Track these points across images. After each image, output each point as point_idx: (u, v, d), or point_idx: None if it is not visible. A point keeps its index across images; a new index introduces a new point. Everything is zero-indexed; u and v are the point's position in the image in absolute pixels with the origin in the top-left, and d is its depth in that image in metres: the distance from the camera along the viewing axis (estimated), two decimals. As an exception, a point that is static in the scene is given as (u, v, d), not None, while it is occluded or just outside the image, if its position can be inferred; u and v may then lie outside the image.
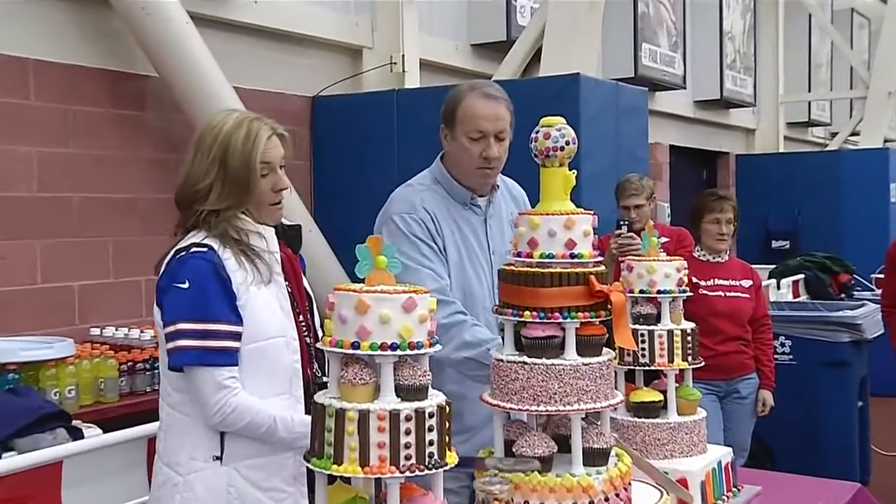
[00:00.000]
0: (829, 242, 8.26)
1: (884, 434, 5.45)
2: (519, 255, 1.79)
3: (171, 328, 1.81)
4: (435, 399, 1.43)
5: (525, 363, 1.70)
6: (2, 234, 3.74)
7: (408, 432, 1.37)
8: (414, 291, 1.41)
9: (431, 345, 1.43)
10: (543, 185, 1.85)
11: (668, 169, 8.87)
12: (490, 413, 1.80)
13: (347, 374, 1.41)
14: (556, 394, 1.68)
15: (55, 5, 3.94)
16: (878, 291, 5.24)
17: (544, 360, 1.69)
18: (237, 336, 1.81)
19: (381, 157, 4.64)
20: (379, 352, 1.38)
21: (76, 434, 2.74)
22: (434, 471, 1.39)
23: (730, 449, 2.29)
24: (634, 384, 2.21)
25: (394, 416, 1.37)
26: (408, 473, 1.37)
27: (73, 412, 3.08)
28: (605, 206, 4.03)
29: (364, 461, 1.36)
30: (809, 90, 11.84)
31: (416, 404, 1.39)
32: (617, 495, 1.70)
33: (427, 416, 1.38)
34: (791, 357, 4.89)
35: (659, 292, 2.16)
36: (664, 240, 4.05)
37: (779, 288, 6.72)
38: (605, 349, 1.78)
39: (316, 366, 1.96)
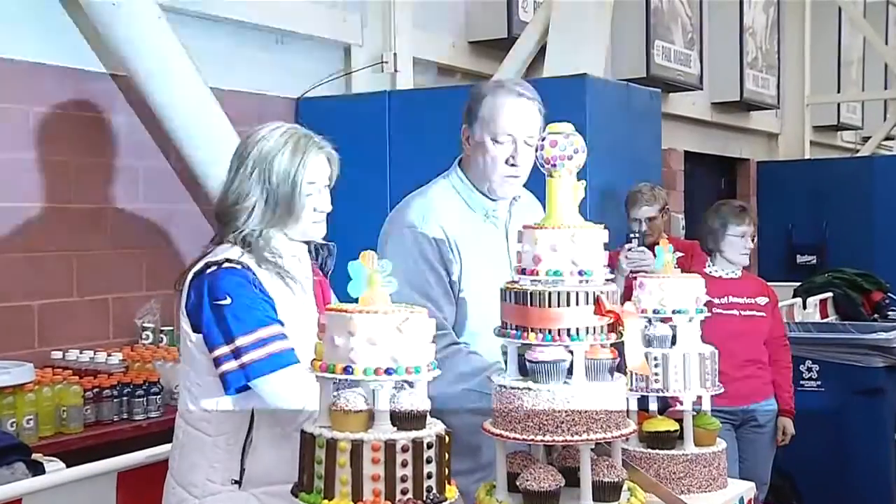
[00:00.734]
0: (861, 257, 8.29)
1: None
2: (523, 271, 1.82)
3: (228, 347, 1.90)
4: (434, 428, 1.45)
5: (530, 389, 1.72)
6: (-46, 248, 3.77)
7: (404, 464, 1.39)
8: (411, 312, 1.44)
9: (430, 369, 1.46)
10: (550, 196, 1.88)
11: (683, 177, 8.91)
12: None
13: (339, 400, 1.43)
14: (563, 422, 1.70)
15: (12, -4, 3.98)
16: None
17: (550, 386, 1.72)
18: (287, 336, 1.93)
19: (372, 165, 4.68)
20: (374, 377, 1.41)
21: (36, 469, 2.75)
22: (432, 506, 1.41)
23: (752, 484, 2.31)
24: (648, 412, 2.24)
25: (389, 446, 1.39)
26: (404, 509, 1.39)
27: (32, 444, 3.09)
28: (613, 219, 4.06)
29: (357, 495, 1.38)
30: (839, 91, 11.90)
31: (413, 434, 1.42)
32: (630, 533, 1.72)
33: (425, 446, 1.41)
34: (819, 383, 4.91)
35: (674, 312, 2.19)
36: (679, 254, 4.09)
37: (805, 307, 6.75)
38: (616, 374, 1.81)
39: None
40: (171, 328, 4.32)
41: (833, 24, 11.81)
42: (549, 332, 1.73)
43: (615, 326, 1.77)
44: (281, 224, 2.01)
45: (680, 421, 2.19)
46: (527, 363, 1.77)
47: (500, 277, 2.25)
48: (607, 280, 1.82)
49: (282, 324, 1.94)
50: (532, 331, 1.74)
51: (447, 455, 1.46)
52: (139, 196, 4.44)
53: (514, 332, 1.77)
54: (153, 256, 4.42)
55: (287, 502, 1.86)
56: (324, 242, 2.17)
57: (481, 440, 1.98)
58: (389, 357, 1.41)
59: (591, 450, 1.77)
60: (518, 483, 1.75)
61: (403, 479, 1.39)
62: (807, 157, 10.85)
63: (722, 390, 2.27)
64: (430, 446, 1.42)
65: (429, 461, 1.41)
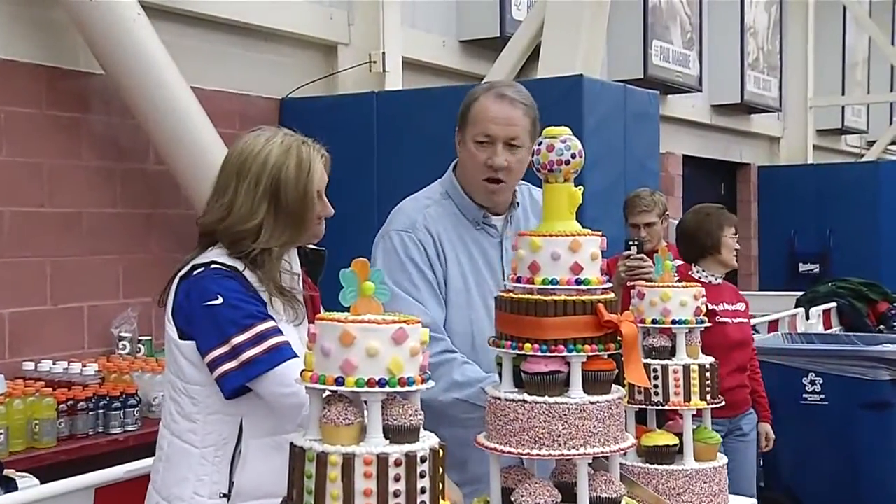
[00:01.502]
0: (866, 266, 8.36)
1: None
2: (518, 280, 1.84)
3: (224, 348, 1.91)
4: (427, 441, 1.46)
5: (525, 402, 1.74)
6: (-78, 254, 3.77)
7: (397, 478, 1.40)
8: (405, 321, 1.45)
9: (424, 381, 1.47)
10: (546, 202, 1.90)
11: (682, 182, 8.96)
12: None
13: (330, 413, 1.45)
14: (559, 436, 1.72)
15: (-15, -8, 3.99)
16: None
17: (547, 399, 1.73)
18: (281, 331, 1.95)
19: (359, 168, 4.70)
20: (366, 388, 1.42)
21: (9, 485, 2.76)
22: (425, 522, 1.42)
23: (754, 501, 2.34)
24: (646, 426, 2.26)
25: (382, 460, 1.40)
26: (396, 525, 1.40)
27: (2, 459, 3.09)
28: (611, 225, 4.09)
29: (348, 511, 1.39)
30: (843, 93, 11.98)
31: (406, 447, 1.43)
32: (628, 550, 1.74)
33: (419, 460, 1.42)
34: (823, 397, 4.94)
35: (674, 322, 2.21)
36: (678, 263, 4.13)
37: (808, 318, 6.80)
38: (614, 386, 1.82)
39: None
40: (149, 337, 4.32)
41: (837, 24, 11.90)
42: (546, 342, 1.74)
43: (614, 337, 1.79)
44: (293, 241, 2.02)
45: (679, 435, 2.22)
46: (522, 375, 1.79)
47: (486, 287, 2.28)
48: (605, 289, 1.84)
49: (274, 320, 1.96)
50: (528, 341, 1.76)
51: (441, 469, 1.47)
52: (116, 200, 4.45)
53: (510, 342, 1.79)
54: (130, 263, 4.43)
55: None
56: (315, 248, 2.17)
57: (469, 453, 2.00)
58: (382, 368, 1.43)
59: (589, 465, 1.79)
60: (513, 499, 1.77)
61: (396, 494, 1.40)
62: (810, 161, 10.92)
63: (723, 403, 2.30)
64: (423, 460, 1.43)
65: (422, 475, 1.42)
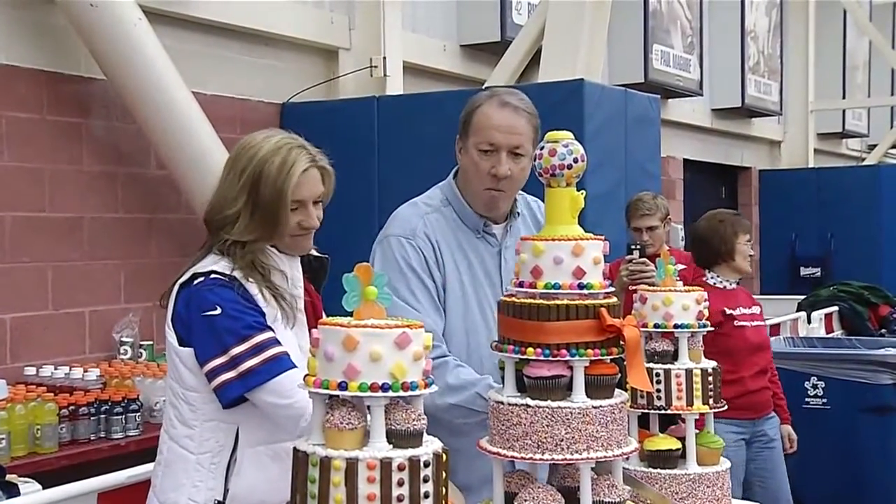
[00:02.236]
0: (867, 270, 8.36)
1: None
2: (521, 284, 1.84)
3: (222, 359, 1.92)
4: (431, 446, 1.47)
5: (528, 406, 1.74)
6: (-77, 259, 3.77)
7: (401, 483, 1.40)
8: (408, 326, 1.46)
9: (427, 385, 1.48)
10: (548, 207, 1.90)
11: (683, 186, 8.97)
12: (489, 472, 1.83)
13: (333, 417, 1.45)
14: (562, 440, 1.72)
15: (-14, -2, 4.00)
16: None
17: (549, 403, 1.73)
18: (279, 341, 1.96)
19: (360, 173, 4.70)
20: (369, 393, 1.43)
21: (11, 490, 2.76)
22: (429, 526, 1.43)
23: (757, 505, 2.33)
24: (649, 430, 2.26)
25: (385, 464, 1.41)
26: (400, 529, 1.41)
27: (4, 464, 3.09)
28: (611, 229, 4.10)
29: (351, 515, 1.40)
30: (844, 96, 12.00)
31: (409, 452, 1.43)
32: (631, 555, 1.74)
33: (422, 464, 1.42)
34: (824, 401, 4.94)
35: (676, 326, 2.21)
36: (681, 267, 4.14)
37: (809, 322, 6.80)
38: (617, 390, 1.83)
39: None
40: (151, 342, 4.32)
41: (838, 28, 11.91)
42: (548, 346, 1.74)
43: (616, 341, 1.80)
44: (266, 238, 2.02)
45: (682, 439, 2.22)
46: (525, 379, 1.79)
47: (483, 295, 2.28)
48: (608, 293, 1.84)
49: (273, 330, 1.97)
50: (530, 346, 1.76)
51: (445, 473, 1.47)
52: (117, 205, 4.45)
53: (512, 346, 1.79)
54: (132, 268, 4.43)
55: None
56: (318, 255, 2.18)
57: (457, 463, 1.99)
58: (385, 372, 1.43)
59: (592, 469, 1.79)
60: (516, 502, 1.77)
61: (400, 499, 1.40)
62: (810, 165, 10.92)
63: (726, 407, 2.30)
64: (426, 465, 1.43)
65: (426, 480, 1.43)
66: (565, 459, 1.73)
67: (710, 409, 2.22)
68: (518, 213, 2.37)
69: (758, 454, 3.84)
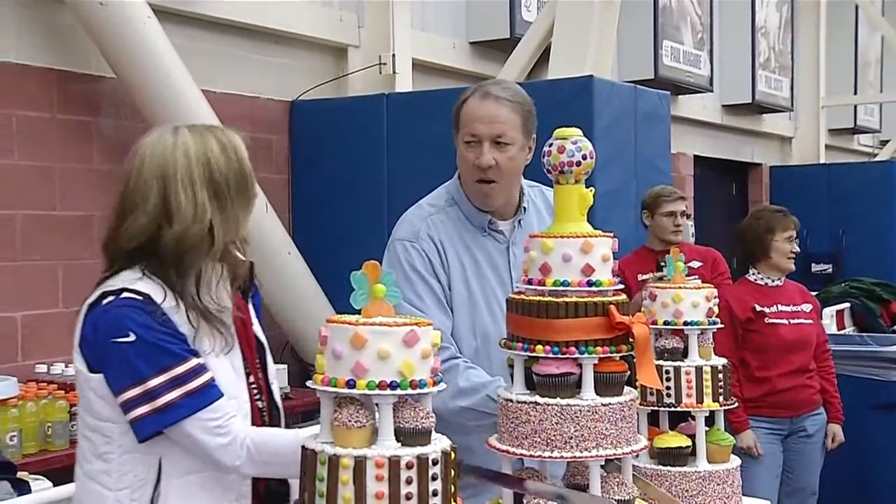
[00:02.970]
0: (879, 266, 8.31)
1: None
2: (530, 282, 1.84)
3: (137, 390, 1.74)
4: (439, 444, 1.47)
5: (537, 404, 1.74)
6: (-66, 258, 3.79)
7: (409, 481, 1.41)
8: (416, 324, 1.46)
9: (435, 383, 1.48)
10: (557, 204, 1.90)
11: (693, 182, 8.95)
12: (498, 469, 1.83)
13: (342, 415, 1.45)
14: (571, 438, 1.72)
15: (-5, -4, 4.01)
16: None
17: (559, 401, 1.74)
18: (205, 367, 1.79)
19: (369, 170, 4.70)
20: (377, 391, 1.43)
21: (22, 488, 2.76)
22: (438, 524, 1.43)
23: (767, 502, 2.33)
24: (659, 427, 2.26)
25: (393, 462, 1.41)
26: (409, 528, 1.41)
27: (15, 461, 3.10)
28: (621, 226, 4.09)
29: (360, 514, 1.40)
30: (856, 92, 11.94)
31: (418, 450, 1.44)
32: (641, 553, 1.74)
33: (430, 462, 1.43)
34: (836, 398, 4.93)
35: (686, 324, 2.21)
36: (695, 264, 4.14)
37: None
38: (626, 388, 1.83)
39: None
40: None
41: (849, 23, 11.85)
42: (557, 344, 1.75)
43: (626, 339, 1.79)
44: (238, 232, 1.86)
45: (692, 437, 2.21)
46: (534, 377, 1.79)
47: (491, 293, 2.27)
48: (616, 290, 1.84)
49: (197, 354, 1.79)
50: (539, 343, 1.76)
51: (453, 472, 1.47)
52: (127, 203, 4.45)
53: (521, 344, 1.79)
54: (141, 266, 4.43)
55: None
56: (242, 259, 1.96)
57: (469, 461, 1.98)
58: (393, 370, 1.43)
59: (601, 466, 1.79)
60: (525, 501, 1.77)
61: (408, 497, 1.41)
62: (822, 161, 10.87)
63: (736, 405, 2.30)
64: (435, 463, 1.43)
65: (434, 478, 1.43)
66: (574, 457, 1.73)
67: (721, 406, 2.22)
68: (525, 208, 2.36)
69: (791, 446, 3.87)
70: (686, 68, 8.32)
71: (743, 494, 2.25)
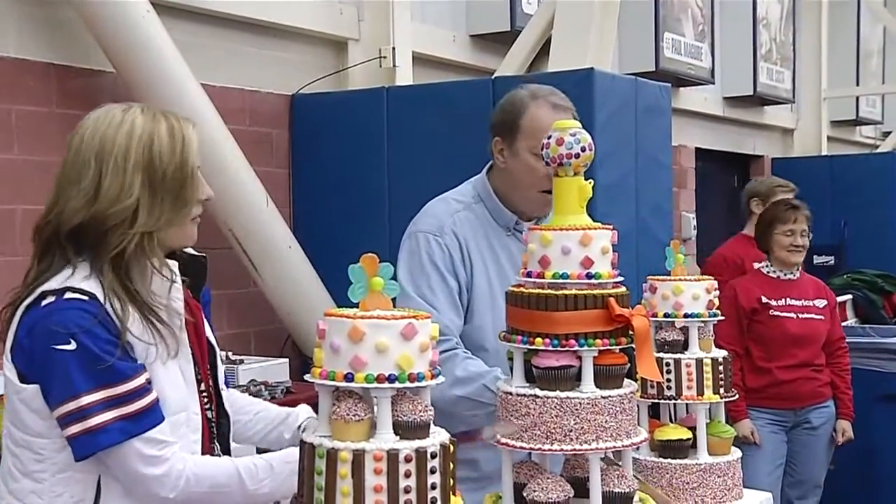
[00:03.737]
0: (881, 257, 8.30)
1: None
2: (529, 274, 1.84)
3: (71, 405, 1.59)
4: (437, 437, 1.47)
5: (537, 396, 1.74)
6: (-66, 253, 3.79)
7: (408, 474, 1.41)
8: (414, 317, 1.46)
9: (433, 376, 1.47)
10: (556, 196, 1.90)
11: (695, 175, 8.94)
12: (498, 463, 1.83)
13: (340, 409, 1.45)
14: (571, 431, 1.72)
15: (-7, -10, 4.00)
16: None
17: (558, 393, 1.74)
18: (150, 387, 1.66)
19: (370, 163, 4.69)
20: (375, 384, 1.43)
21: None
22: (436, 518, 1.43)
23: (769, 495, 2.33)
24: (659, 420, 2.26)
25: (392, 456, 1.41)
26: (407, 521, 1.41)
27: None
28: (621, 218, 4.08)
29: (358, 507, 1.40)
30: (857, 84, 11.92)
31: (416, 443, 1.43)
32: (641, 545, 1.74)
33: (429, 456, 1.42)
34: (838, 390, 4.92)
35: (686, 316, 2.21)
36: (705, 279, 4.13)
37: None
38: (626, 380, 1.82)
39: (217, 447, 1.85)
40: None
41: (851, 14, 11.83)
42: (557, 336, 1.74)
43: (625, 331, 1.79)
44: (170, 219, 1.71)
45: (693, 429, 2.21)
46: (534, 369, 1.79)
47: None
48: (616, 282, 1.84)
49: (143, 368, 1.66)
50: (539, 336, 1.76)
51: (452, 465, 1.47)
52: (127, 198, 4.45)
53: (521, 337, 1.79)
54: (142, 261, 4.43)
55: None
56: (195, 254, 1.87)
57: (478, 452, 2.00)
58: (391, 364, 1.43)
59: (601, 459, 1.79)
60: (525, 494, 1.77)
61: (407, 491, 1.41)
62: (824, 153, 10.85)
63: (736, 396, 2.29)
64: (433, 456, 1.43)
65: (433, 471, 1.43)
66: (574, 450, 1.73)
67: (721, 398, 2.23)
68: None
69: (796, 438, 3.88)
70: (687, 60, 8.30)
71: (744, 486, 2.25)
